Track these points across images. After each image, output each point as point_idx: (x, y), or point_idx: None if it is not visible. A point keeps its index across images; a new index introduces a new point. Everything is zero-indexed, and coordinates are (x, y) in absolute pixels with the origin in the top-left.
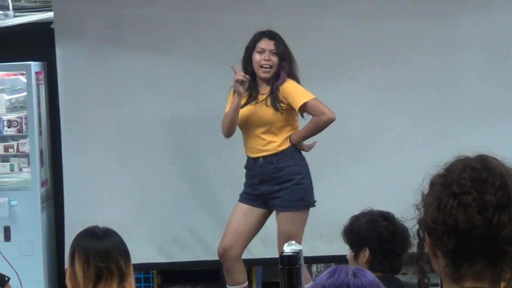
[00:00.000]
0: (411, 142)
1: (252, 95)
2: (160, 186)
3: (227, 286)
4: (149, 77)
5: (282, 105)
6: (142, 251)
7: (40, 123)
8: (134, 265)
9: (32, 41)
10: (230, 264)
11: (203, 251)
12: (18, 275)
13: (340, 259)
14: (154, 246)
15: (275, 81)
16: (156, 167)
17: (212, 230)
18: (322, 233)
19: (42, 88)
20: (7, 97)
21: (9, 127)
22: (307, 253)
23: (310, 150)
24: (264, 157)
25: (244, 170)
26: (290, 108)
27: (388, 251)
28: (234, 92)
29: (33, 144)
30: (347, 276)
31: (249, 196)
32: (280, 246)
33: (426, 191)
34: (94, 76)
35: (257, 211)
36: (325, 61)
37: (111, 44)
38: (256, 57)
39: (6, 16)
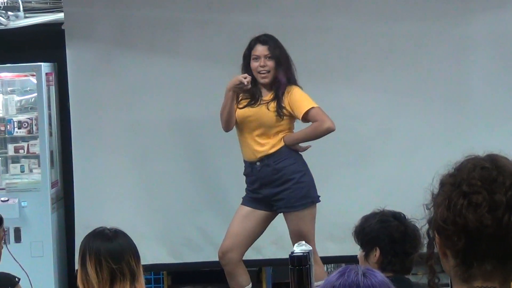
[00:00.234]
0: (421, 143)
1: (255, 97)
2: (170, 187)
3: None
4: (158, 78)
5: (285, 111)
6: (152, 252)
7: (50, 124)
8: (144, 266)
9: (42, 42)
10: (230, 267)
11: (213, 252)
12: (28, 276)
13: (350, 260)
14: (164, 247)
15: (278, 88)
16: (166, 168)
17: (222, 231)
18: (332, 234)
19: (53, 89)
20: (17, 98)
21: (19, 128)
22: (317, 253)
23: (303, 151)
24: (261, 159)
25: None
26: (290, 116)
27: (399, 251)
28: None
29: (44, 145)
30: (357, 276)
31: (252, 199)
32: None
33: (436, 191)
34: (104, 77)
35: (259, 214)
36: (334, 62)
37: (121, 45)
38: (253, 64)
39: (17, 17)
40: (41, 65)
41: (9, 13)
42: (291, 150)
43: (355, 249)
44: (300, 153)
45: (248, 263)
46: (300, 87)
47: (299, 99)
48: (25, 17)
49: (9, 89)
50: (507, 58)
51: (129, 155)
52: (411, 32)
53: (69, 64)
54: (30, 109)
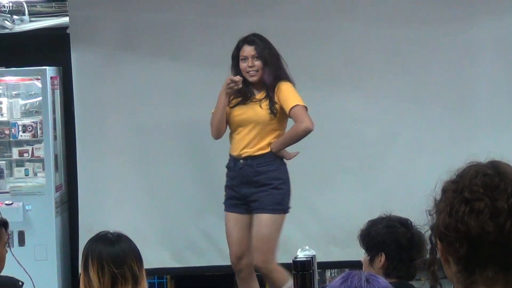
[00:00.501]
0: (425, 148)
1: (247, 96)
2: (174, 190)
3: None
4: (163, 82)
5: (277, 106)
6: (156, 256)
7: (55, 128)
8: (148, 270)
9: (47, 46)
10: (246, 273)
11: (217, 256)
12: (32, 280)
13: (354, 265)
14: (168, 251)
15: (268, 86)
16: (170, 172)
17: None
18: (336, 239)
19: (57, 93)
20: (22, 102)
21: (24, 132)
22: (321, 258)
23: (292, 158)
24: (245, 158)
25: None
26: (282, 113)
27: (404, 257)
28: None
29: (48, 149)
30: (360, 281)
31: (233, 202)
32: (256, 250)
33: (438, 197)
34: (109, 81)
35: (244, 219)
36: (338, 66)
37: (126, 49)
38: (242, 65)
39: (22, 21)
40: (46, 69)
41: (15, 17)
42: (277, 157)
43: (358, 254)
44: (284, 161)
45: None
46: (292, 83)
47: (287, 95)
48: (30, 21)
49: (14, 92)
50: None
51: (133, 159)
52: (415, 37)
53: (74, 68)
54: (35, 112)
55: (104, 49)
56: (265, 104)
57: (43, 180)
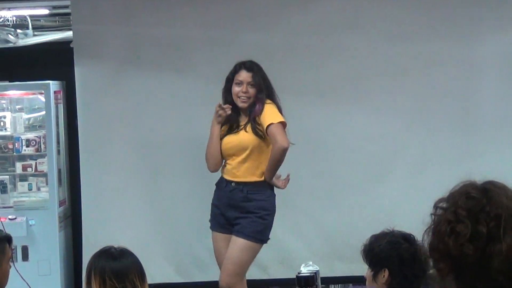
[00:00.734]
0: (431, 164)
1: (233, 126)
2: (178, 205)
3: None
4: (167, 97)
5: (260, 127)
6: (160, 271)
7: (58, 142)
8: (152, 285)
9: (51, 60)
10: None
11: None
12: None
13: (358, 280)
14: (172, 266)
15: (252, 109)
16: (173, 186)
17: None
18: (340, 254)
19: (61, 107)
20: (25, 116)
21: (27, 146)
22: (325, 273)
23: (286, 186)
24: (237, 183)
25: None
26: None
27: (408, 273)
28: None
29: (51, 163)
30: None
31: (218, 221)
32: (226, 272)
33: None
34: (113, 95)
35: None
36: (344, 82)
37: (130, 63)
38: (235, 88)
39: (26, 35)
40: (49, 83)
41: (18, 31)
42: (268, 188)
43: (362, 270)
44: (274, 193)
45: (255, 283)
46: (275, 104)
47: (264, 115)
48: (34, 35)
49: (17, 107)
50: None
51: (137, 174)
52: (420, 53)
53: (78, 82)
54: (38, 127)
55: (108, 64)
56: (248, 127)
57: (46, 194)
